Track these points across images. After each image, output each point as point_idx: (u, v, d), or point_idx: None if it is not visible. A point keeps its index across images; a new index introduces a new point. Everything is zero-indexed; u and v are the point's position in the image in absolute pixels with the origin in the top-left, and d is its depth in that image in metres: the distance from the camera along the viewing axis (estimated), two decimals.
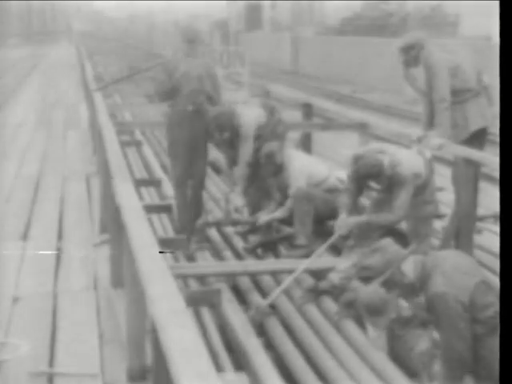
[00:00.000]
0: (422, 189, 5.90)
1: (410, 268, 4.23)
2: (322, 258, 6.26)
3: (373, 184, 5.96)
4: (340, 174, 6.66)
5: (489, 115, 6.83)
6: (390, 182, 5.76)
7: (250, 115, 7.60)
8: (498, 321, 3.94)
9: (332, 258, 6.09)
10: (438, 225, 6.85)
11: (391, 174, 5.70)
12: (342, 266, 5.59)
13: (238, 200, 7.55)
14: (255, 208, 7.22)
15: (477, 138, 6.78)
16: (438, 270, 4.14)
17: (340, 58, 31.80)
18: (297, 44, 37.26)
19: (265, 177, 7.00)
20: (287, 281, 5.60)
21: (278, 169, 6.81)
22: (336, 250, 6.35)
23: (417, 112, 22.34)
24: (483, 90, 6.86)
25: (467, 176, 6.56)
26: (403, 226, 6.42)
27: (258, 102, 8.15)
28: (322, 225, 6.72)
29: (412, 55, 6.99)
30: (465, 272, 4.15)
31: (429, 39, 7.02)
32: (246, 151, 7.42)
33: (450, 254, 4.54)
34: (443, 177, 7.50)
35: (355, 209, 6.01)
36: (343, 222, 5.85)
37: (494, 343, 3.92)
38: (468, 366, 4.07)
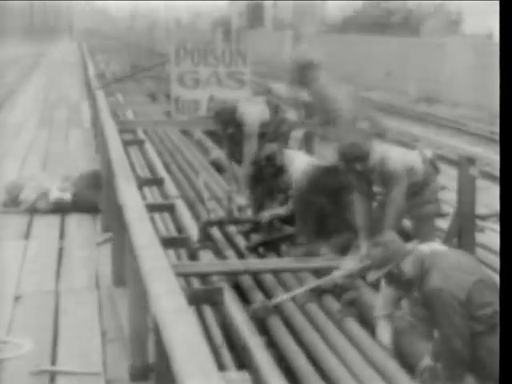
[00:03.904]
0: (422, 187, 5.80)
1: (409, 265, 4.23)
2: (325, 257, 6.26)
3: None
4: None
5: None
6: (383, 180, 5.63)
7: (254, 113, 7.57)
8: (496, 320, 3.93)
9: (336, 258, 6.08)
10: (442, 224, 6.83)
11: (381, 171, 5.59)
12: (345, 265, 5.58)
13: (241, 199, 7.55)
14: (259, 207, 7.21)
15: None
16: (436, 267, 4.14)
17: (342, 57, 31.76)
18: (299, 42, 37.22)
19: (266, 178, 6.98)
20: (301, 289, 5.50)
21: (279, 170, 6.78)
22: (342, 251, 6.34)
23: (419, 111, 22.38)
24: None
25: (469, 175, 6.54)
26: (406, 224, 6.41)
27: (261, 99, 8.13)
28: (323, 224, 6.71)
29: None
30: (464, 270, 4.14)
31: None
32: (250, 150, 7.40)
33: (449, 252, 4.54)
34: (445, 176, 7.47)
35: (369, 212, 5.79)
36: (349, 266, 5.42)
37: (493, 343, 3.90)
38: (466, 364, 4.05)
